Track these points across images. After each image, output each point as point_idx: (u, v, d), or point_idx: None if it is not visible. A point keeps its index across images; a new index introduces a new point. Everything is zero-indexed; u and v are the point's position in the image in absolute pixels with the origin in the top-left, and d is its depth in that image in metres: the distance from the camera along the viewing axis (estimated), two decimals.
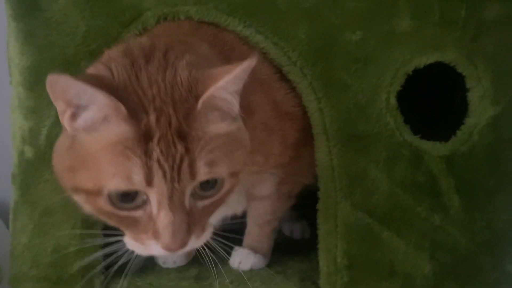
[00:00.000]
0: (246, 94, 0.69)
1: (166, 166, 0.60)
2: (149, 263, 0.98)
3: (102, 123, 0.61)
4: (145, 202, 0.63)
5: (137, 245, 0.66)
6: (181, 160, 0.61)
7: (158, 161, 0.60)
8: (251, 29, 0.82)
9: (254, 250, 1.01)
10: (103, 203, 0.62)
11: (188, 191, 0.63)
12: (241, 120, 0.69)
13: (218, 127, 0.64)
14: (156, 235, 0.63)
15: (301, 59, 0.82)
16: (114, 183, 0.60)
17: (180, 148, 0.61)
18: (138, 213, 0.63)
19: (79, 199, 0.66)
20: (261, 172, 0.90)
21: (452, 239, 0.89)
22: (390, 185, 0.87)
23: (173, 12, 0.82)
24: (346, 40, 0.82)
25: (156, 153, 0.60)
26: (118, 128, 0.60)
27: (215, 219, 0.91)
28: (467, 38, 0.83)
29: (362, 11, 0.81)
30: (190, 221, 0.63)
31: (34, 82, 0.83)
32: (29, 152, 0.85)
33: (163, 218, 0.61)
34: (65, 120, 0.64)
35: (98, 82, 0.60)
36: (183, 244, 0.63)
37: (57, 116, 0.80)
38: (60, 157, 0.68)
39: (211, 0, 0.81)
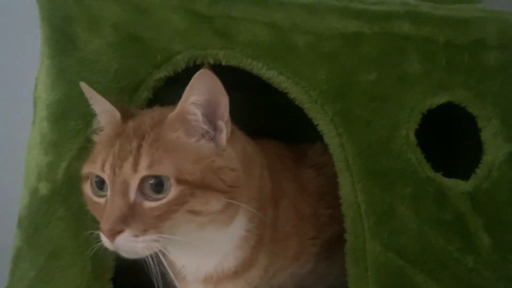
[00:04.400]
0: (275, 179, 0.85)
1: (117, 155, 0.70)
2: None
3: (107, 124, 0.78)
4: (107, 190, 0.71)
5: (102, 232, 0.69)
6: (130, 153, 0.69)
7: (114, 152, 0.70)
8: (273, 71, 0.87)
9: None
10: (87, 187, 0.74)
11: (133, 184, 0.69)
12: (230, 150, 0.75)
13: (179, 137, 0.72)
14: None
15: (322, 97, 0.86)
16: (87, 167, 0.74)
17: (134, 143, 0.70)
18: (102, 200, 0.71)
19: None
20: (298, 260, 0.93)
21: (489, 284, 0.84)
22: (418, 223, 0.84)
23: (202, 55, 0.87)
24: (363, 80, 0.87)
25: (116, 146, 0.71)
26: (111, 129, 0.76)
27: None
28: (472, 81, 0.89)
29: (374, 55, 0.88)
30: (130, 213, 0.68)
31: (60, 116, 0.83)
32: (44, 188, 0.82)
33: (107, 199, 0.69)
34: None
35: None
36: (113, 228, 0.66)
37: (78, 150, 0.79)
38: None
39: (237, 45, 0.87)
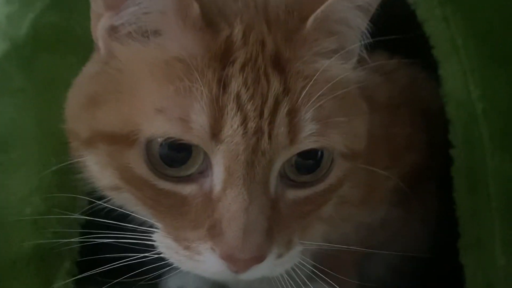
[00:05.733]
0: None
1: (249, 107, 0.39)
2: None
3: (157, 28, 0.42)
4: (204, 170, 0.40)
5: (178, 250, 0.42)
6: (276, 104, 0.39)
7: (237, 98, 0.39)
8: None
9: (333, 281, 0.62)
10: (135, 160, 0.40)
11: (278, 164, 0.41)
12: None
13: (334, 66, 0.43)
14: (214, 232, 0.39)
15: None
16: (158, 125, 0.39)
17: (275, 83, 0.40)
18: (189, 189, 0.41)
19: (96, 156, 0.44)
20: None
21: None
22: None
23: None
24: None
25: (236, 83, 0.39)
26: (182, 37, 0.40)
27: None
28: None
29: None
30: (274, 220, 0.40)
31: None
32: None
33: (233, 200, 0.39)
34: (99, 30, 0.44)
35: None
36: (259, 253, 0.39)
37: None
38: (77, 90, 0.47)
39: None
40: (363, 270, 0.72)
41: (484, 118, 0.55)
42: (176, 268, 0.61)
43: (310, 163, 0.42)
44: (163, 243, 0.43)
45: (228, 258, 0.39)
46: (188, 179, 0.41)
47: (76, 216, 0.50)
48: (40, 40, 0.54)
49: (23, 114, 0.52)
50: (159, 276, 0.62)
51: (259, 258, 0.40)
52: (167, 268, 0.61)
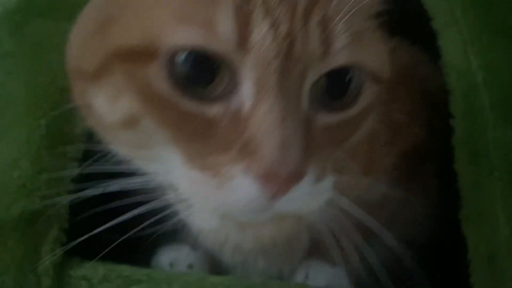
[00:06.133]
0: None
1: (279, 11, 0.36)
2: None
3: None
4: (231, 90, 0.38)
5: (205, 180, 0.38)
6: (307, 11, 0.37)
7: (266, 3, 0.36)
8: None
9: (331, 260, 0.60)
10: (156, 76, 0.37)
11: (310, 78, 0.39)
12: None
13: None
14: (247, 151, 0.37)
15: None
16: (180, 33, 0.36)
17: None
18: (215, 109, 0.38)
19: (108, 85, 0.40)
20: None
21: None
22: None
23: None
24: None
25: None
26: None
27: None
28: None
29: None
30: (307, 141, 0.38)
31: None
32: None
33: (266, 114, 0.37)
34: None
35: None
36: (299, 168, 0.37)
37: None
38: (84, 21, 0.45)
39: None
40: (365, 257, 0.71)
41: (485, 87, 0.54)
42: (168, 246, 0.61)
43: (339, 87, 0.41)
44: (187, 178, 0.39)
45: (266, 176, 0.36)
46: (213, 99, 0.38)
47: (66, 195, 0.48)
48: (32, 5, 0.52)
49: (12, 78, 0.50)
50: (152, 253, 0.61)
51: (298, 175, 0.37)
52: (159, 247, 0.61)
